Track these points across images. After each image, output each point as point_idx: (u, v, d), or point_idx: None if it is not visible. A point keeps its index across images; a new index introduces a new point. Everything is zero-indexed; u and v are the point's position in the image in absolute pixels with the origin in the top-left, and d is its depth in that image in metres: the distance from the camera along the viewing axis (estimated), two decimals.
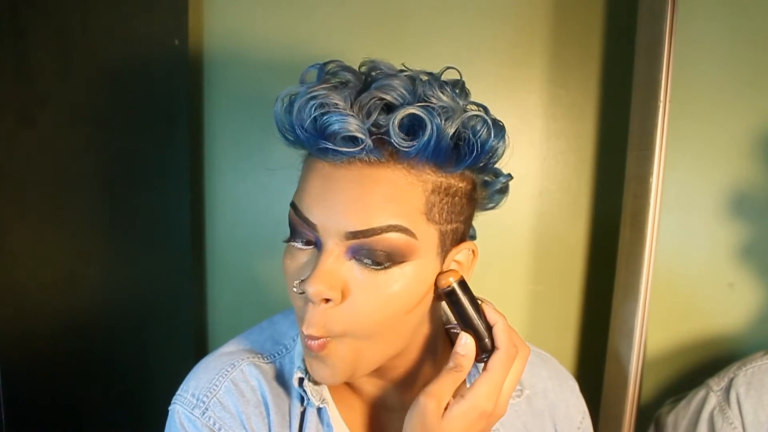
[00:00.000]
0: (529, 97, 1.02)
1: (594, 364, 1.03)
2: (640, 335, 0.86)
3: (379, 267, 0.45)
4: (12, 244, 0.63)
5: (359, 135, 0.42)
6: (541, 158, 1.04)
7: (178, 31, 0.96)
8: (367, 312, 0.45)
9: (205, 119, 1.05)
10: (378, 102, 0.44)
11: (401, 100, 0.44)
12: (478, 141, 0.45)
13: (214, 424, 0.53)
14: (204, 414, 0.53)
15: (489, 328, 0.48)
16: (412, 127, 0.43)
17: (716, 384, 0.81)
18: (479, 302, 0.49)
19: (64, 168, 0.72)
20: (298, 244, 0.48)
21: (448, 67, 0.49)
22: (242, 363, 0.56)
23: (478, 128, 0.46)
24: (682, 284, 1.01)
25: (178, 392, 0.56)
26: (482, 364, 0.49)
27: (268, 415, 0.54)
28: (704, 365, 1.01)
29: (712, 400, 0.80)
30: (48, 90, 0.68)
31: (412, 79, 0.46)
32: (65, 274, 0.73)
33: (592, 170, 1.04)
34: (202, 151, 1.06)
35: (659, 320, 0.99)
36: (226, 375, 0.55)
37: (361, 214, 0.44)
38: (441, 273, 0.48)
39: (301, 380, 0.53)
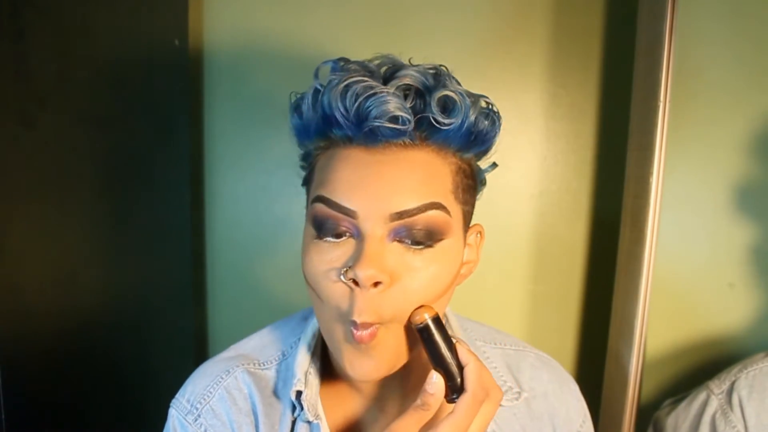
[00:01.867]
0: (529, 97, 1.02)
1: (594, 364, 1.03)
2: (640, 335, 0.86)
3: (420, 246, 0.46)
4: (12, 244, 0.63)
5: (404, 114, 0.44)
6: (541, 158, 1.04)
7: (178, 31, 0.96)
8: (415, 291, 0.46)
9: (205, 119, 1.05)
10: (410, 86, 0.46)
11: (430, 85, 0.46)
12: (490, 128, 0.49)
13: (205, 431, 0.54)
14: (196, 421, 0.55)
15: (461, 367, 0.46)
16: (446, 108, 0.46)
17: (717, 387, 0.80)
18: (453, 341, 0.47)
19: (64, 168, 0.72)
20: (330, 239, 0.47)
21: (439, 66, 0.51)
22: (237, 370, 0.57)
23: (490, 116, 0.49)
24: (682, 284, 1.01)
25: (176, 396, 0.57)
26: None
27: (257, 424, 0.55)
28: (704, 365, 1.01)
29: (714, 403, 0.79)
30: (48, 90, 0.68)
31: (434, 68, 0.48)
32: (65, 274, 0.73)
33: (592, 170, 1.04)
34: (202, 151, 1.06)
35: (659, 320, 0.99)
36: (220, 382, 0.56)
37: (403, 195, 0.45)
38: (416, 309, 0.47)
39: (299, 393, 0.54)
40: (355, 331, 0.46)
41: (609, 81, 1.02)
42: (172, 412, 0.56)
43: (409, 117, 0.45)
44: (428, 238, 0.46)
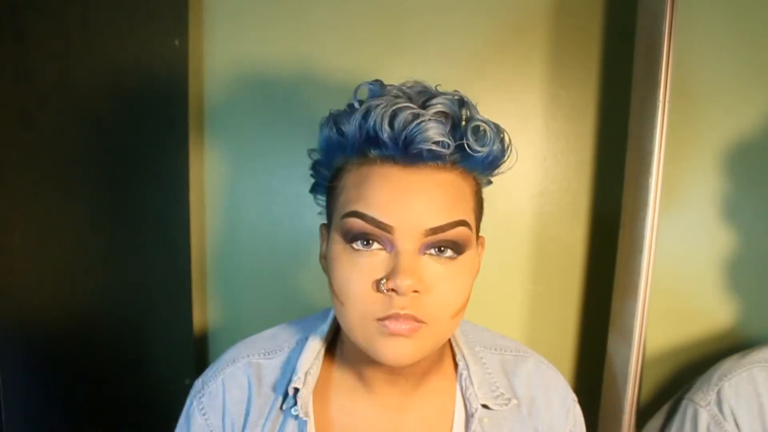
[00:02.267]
0: (529, 97, 1.02)
1: (593, 365, 1.03)
2: (640, 335, 0.86)
3: (449, 258, 0.51)
4: (12, 244, 0.64)
5: (447, 140, 0.49)
6: (541, 158, 1.04)
7: (178, 32, 0.96)
8: (448, 297, 0.51)
9: (205, 119, 1.05)
10: (446, 114, 0.50)
11: (460, 114, 0.52)
12: (504, 155, 0.55)
13: (202, 409, 0.61)
14: (200, 400, 0.61)
15: None
16: (478, 136, 0.51)
17: (702, 399, 0.79)
18: None
19: (63, 168, 0.72)
20: (359, 246, 0.51)
21: (460, 93, 0.54)
22: (241, 360, 0.62)
23: (506, 144, 0.55)
24: (681, 284, 1.02)
25: (201, 375, 0.64)
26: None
27: (247, 413, 0.59)
28: (704, 366, 1.01)
29: (704, 416, 0.78)
30: (48, 90, 0.68)
31: (458, 96, 0.53)
32: (65, 274, 0.73)
33: (592, 170, 1.04)
34: (202, 152, 1.06)
35: (658, 320, 0.99)
36: (224, 369, 0.62)
37: (439, 212, 0.50)
38: None
39: (296, 390, 0.57)
40: (389, 326, 0.49)
41: (609, 81, 1.02)
42: (190, 390, 0.64)
43: (450, 143, 0.49)
44: (455, 251, 0.51)
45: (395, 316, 0.49)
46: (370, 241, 0.50)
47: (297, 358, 0.60)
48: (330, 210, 0.56)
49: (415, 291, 0.49)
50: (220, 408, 0.60)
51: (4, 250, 0.62)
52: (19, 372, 0.64)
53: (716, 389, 0.78)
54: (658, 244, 0.85)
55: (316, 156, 0.58)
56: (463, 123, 0.52)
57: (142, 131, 0.89)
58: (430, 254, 0.51)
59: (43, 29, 0.67)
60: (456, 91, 0.54)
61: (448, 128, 0.50)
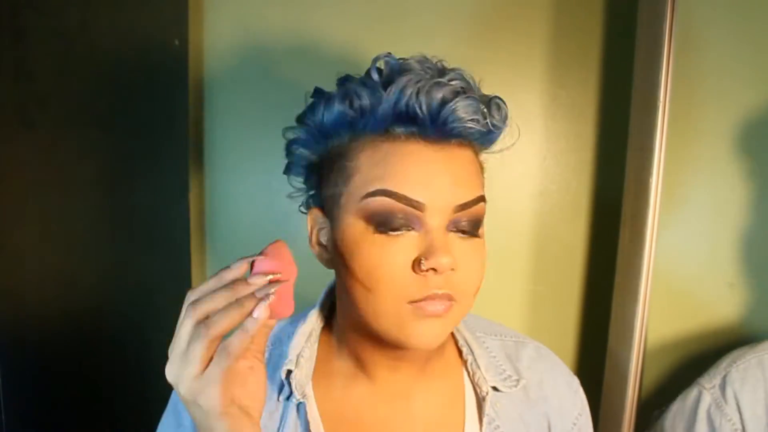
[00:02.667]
0: (529, 97, 1.02)
1: (594, 364, 1.03)
2: (640, 335, 0.86)
3: (470, 235, 0.51)
4: (12, 244, 0.63)
5: (481, 118, 0.49)
6: (541, 158, 1.04)
7: (178, 31, 0.96)
8: (475, 275, 0.51)
9: (205, 119, 1.05)
10: (474, 92, 0.50)
11: (478, 91, 0.52)
12: (503, 130, 0.54)
13: None
14: None
15: None
16: (499, 114, 0.52)
17: (708, 382, 0.80)
18: None
19: (63, 168, 0.72)
20: (390, 232, 0.49)
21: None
22: None
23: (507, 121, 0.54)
24: (681, 284, 1.01)
25: None
26: None
27: None
28: (704, 365, 1.01)
29: (707, 398, 0.79)
30: (48, 90, 0.68)
31: (470, 76, 0.53)
32: (65, 274, 0.73)
33: (592, 170, 1.04)
34: (202, 151, 1.06)
35: (659, 320, 0.99)
36: None
37: (465, 188, 0.50)
38: None
39: (289, 372, 0.55)
40: (426, 307, 0.49)
41: (609, 81, 1.02)
42: None
43: (484, 121, 0.49)
44: (475, 228, 0.51)
45: (432, 297, 0.48)
46: (399, 228, 0.49)
47: (287, 347, 0.57)
48: (329, 191, 0.53)
49: (452, 269, 0.49)
50: None
51: (4, 250, 0.62)
52: (19, 372, 0.64)
53: (723, 374, 0.79)
54: (658, 243, 0.85)
55: (297, 134, 0.56)
56: (489, 101, 0.52)
57: (142, 131, 0.89)
58: (454, 232, 0.50)
59: (43, 29, 0.67)
60: (458, 67, 0.53)
61: (480, 106, 0.49)
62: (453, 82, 0.49)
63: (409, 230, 0.49)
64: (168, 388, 0.59)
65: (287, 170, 0.59)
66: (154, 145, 0.92)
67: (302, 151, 0.56)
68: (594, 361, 1.03)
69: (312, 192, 0.58)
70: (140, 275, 0.90)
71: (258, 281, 0.45)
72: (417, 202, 0.48)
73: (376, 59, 0.52)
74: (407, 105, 0.48)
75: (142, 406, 0.89)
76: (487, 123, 0.50)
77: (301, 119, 0.56)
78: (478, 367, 0.60)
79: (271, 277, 0.45)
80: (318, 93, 0.55)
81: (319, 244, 0.55)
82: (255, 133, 1.05)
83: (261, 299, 0.44)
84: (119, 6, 0.81)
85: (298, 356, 0.56)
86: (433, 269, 0.48)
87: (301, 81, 1.02)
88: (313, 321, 0.60)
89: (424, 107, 0.48)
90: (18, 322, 0.65)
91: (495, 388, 0.59)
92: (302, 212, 0.59)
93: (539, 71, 1.02)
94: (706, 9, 0.96)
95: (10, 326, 0.63)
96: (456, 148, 0.50)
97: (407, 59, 0.52)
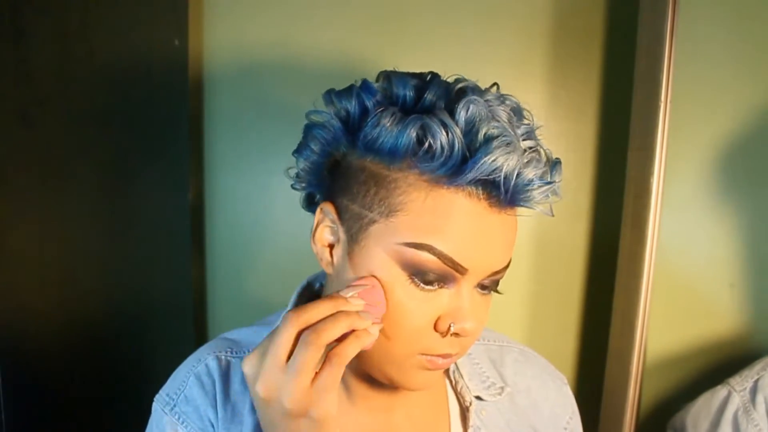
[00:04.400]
0: (529, 97, 1.02)
1: (595, 365, 1.03)
2: (641, 335, 0.86)
3: (487, 292, 0.50)
4: (12, 244, 0.63)
5: (551, 193, 0.47)
6: None
7: (178, 31, 0.96)
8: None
9: (205, 119, 1.05)
10: (546, 157, 0.48)
11: (550, 155, 0.49)
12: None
13: (179, 418, 0.55)
14: (172, 410, 0.56)
15: None
16: (559, 176, 0.49)
17: (739, 384, 0.78)
18: None
19: (63, 168, 0.72)
20: (424, 285, 0.46)
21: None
22: (207, 357, 0.58)
23: None
24: (682, 284, 1.01)
25: (160, 391, 0.59)
26: None
27: (216, 409, 0.55)
28: (705, 366, 1.01)
29: (736, 401, 0.77)
30: (48, 90, 0.68)
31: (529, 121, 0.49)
32: (65, 274, 0.73)
33: (593, 170, 1.04)
34: (202, 152, 1.06)
35: (660, 320, 0.99)
36: (192, 370, 0.58)
37: (506, 254, 0.48)
38: None
39: None
40: (437, 362, 0.48)
41: (609, 81, 1.01)
42: (154, 406, 0.58)
43: (553, 191, 0.47)
44: (495, 286, 0.50)
45: (446, 356, 0.48)
46: (432, 282, 0.46)
47: None
48: (353, 206, 0.48)
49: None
50: (199, 408, 0.55)
51: (4, 250, 0.62)
52: (19, 372, 0.64)
53: (756, 377, 0.78)
54: (659, 243, 0.85)
55: (327, 123, 0.49)
56: (554, 166, 0.49)
57: (142, 131, 0.89)
58: (476, 287, 0.49)
59: (43, 29, 0.67)
60: (517, 103, 0.49)
61: (554, 179, 0.47)
62: (536, 155, 0.46)
63: (441, 287, 0.46)
64: None
65: (298, 151, 0.53)
66: (153, 145, 0.92)
67: (324, 145, 0.50)
68: (595, 361, 1.03)
69: (321, 184, 0.53)
70: (140, 275, 0.90)
71: (358, 302, 0.44)
72: (462, 267, 0.45)
73: (467, 101, 0.44)
74: (494, 179, 0.43)
75: (142, 406, 0.89)
76: (553, 192, 0.48)
77: (339, 113, 0.49)
78: (461, 376, 0.59)
79: (364, 303, 0.45)
80: (379, 103, 0.47)
81: (323, 244, 0.51)
82: (254, 133, 1.05)
83: (369, 319, 0.44)
84: (119, 6, 0.81)
85: None
86: (457, 333, 0.47)
87: (302, 80, 1.02)
88: None
89: (510, 185, 0.44)
90: (18, 322, 0.65)
91: (479, 398, 0.58)
92: (295, 189, 0.56)
93: (539, 71, 1.01)
94: (708, 8, 0.96)
95: (10, 326, 0.63)
96: (511, 213, 0.48)
97: (489, 101, 0.46)
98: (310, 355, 0.41)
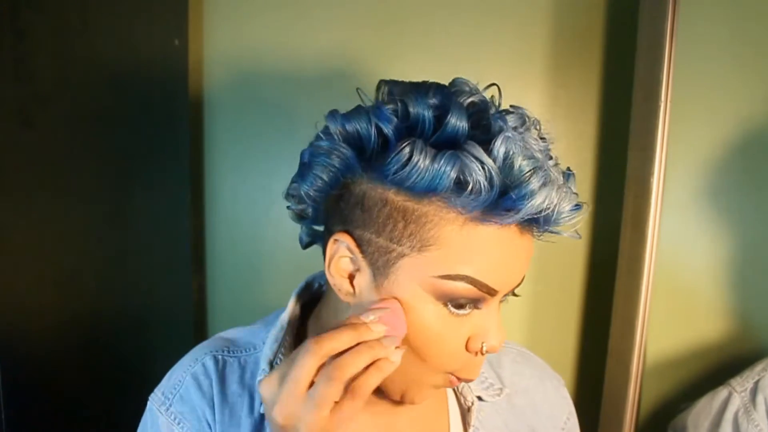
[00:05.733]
0: (529, 97, 1.02)
1: (595, 365, 1.02)
2: (641, 336, 0.86)
3: (504, 300, 0.51)
4: (12, 244, 0.63)
5: (574, 217, 0.47)
6: None
7: (178, 31, 0.96)
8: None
9: (205, 119, 1.05)
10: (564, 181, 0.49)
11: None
12: None
13: (175, 419, 0.55)
14: (168, 410, 0.56)
15: None
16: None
17: (740, 385, 0.79)
18: None
19: (63, 168, 0.72)
20: (456, 311, 0.47)
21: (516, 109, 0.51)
22: (205, 357, 0.58)
23: None
24: (682, 285, 1.01)
25: (155, 389, 0.58)
26: None
27: (213, 409, 0.55)
28: (705, 366, 1.01)
29: (736, 401, 0.77)
30: (48, 90, 0.68)
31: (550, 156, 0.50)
32: (65, 274, 0.73)
33: (593, 170, 1.04)
34: (202, 152, 1.06)
35: (660, 321, 0.98)
36: (188, 370, 0.57)
37: (526, 269, 0.50)
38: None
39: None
40: (454, 380, 0.50)
41: (609, 81, 1.01)
42: (149, 405, 0.57)
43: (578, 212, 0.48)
44: (509, 294, 0.51)
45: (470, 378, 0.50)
46: (464, 306, 0.47)
47: (261, 355, 0.55)
48: (377, 238, 0.46)
49: None
50: (195, 408, 0.55)
51: (4, 250, 0.62)
52: (19, 372, 0.64)
53: (756, 378, 0.78)
54: (659, 244, 0.85)
55: (337, 148, 0.47)
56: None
57: (142, 131, 0.89)
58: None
59: (43, 29, 0.67)
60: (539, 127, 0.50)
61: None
62: (566, 188, 0.47)
63: (473, 309, 0.47)
64: None
65: (301, 177, 0.51)
66: (153, 145, 0.92)
67: (335, 172, 0.48)
68: (595, 362, 1.03)
69: (328, 210, 0.51)
70: (140, 276, 0.90)
71: (380, 329, 0.44)
72: (494, 290, 0.46)
73: (499, 134, 0.44)
74: (535, 211, 0.44)
75: (142, 406, 0.89)
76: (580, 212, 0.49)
77: (349, 139, 0.47)
78: None
79: (387, 328, 0.45)
80: (398, 131, 0.45)
81: (342, 275, 0.48)
82: (255, 133, 1.05)
83: (390, 346, 0.44)
84: (119, 6, 0.81)
85: (270, 364, 0.54)
86: (488, 351, 0.49)
87: (302, 81, 1.02)
88: (284, 324, 0.57)
89: (550, 220, 0.45)
90: (18, 323, 0.65)
91: (479, 398, 0.59)
92: (291, 210, 0.56)
93: (539, 71, 1.01)
94: (708, 8, 0.96)
95: (10, 326, 0.63)
96: (533, 235, 0.49)
97: (517, 128, 0.47)
98: (333, 390, 0.41)
